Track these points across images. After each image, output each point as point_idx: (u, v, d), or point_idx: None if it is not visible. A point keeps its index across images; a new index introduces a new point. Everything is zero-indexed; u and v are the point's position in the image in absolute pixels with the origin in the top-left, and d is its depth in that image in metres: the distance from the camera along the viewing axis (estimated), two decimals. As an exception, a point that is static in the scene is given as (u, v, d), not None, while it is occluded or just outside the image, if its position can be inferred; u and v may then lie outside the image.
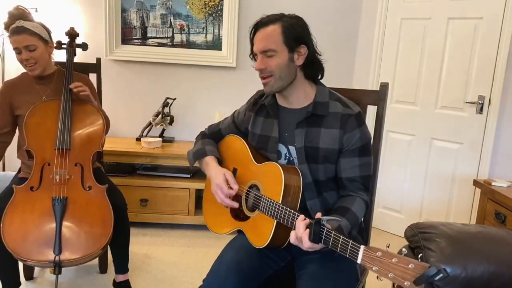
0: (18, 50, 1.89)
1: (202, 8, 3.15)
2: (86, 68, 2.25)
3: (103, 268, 2.32)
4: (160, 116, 3.11)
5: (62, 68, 2.06)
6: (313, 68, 1.38)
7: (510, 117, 2.62)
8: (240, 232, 1.45)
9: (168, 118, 3.16)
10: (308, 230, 1.12)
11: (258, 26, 1.34)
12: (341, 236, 1.06)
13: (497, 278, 1.20)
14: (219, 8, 3.15)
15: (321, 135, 1.34)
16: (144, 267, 2.42)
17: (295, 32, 1.31)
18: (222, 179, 1.42)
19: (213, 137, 1.63)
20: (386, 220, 3.16)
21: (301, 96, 1.38)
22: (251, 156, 1.44)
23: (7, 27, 1.91)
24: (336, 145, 1.33)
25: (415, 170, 3.00)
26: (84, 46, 2.16)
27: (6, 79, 2.99)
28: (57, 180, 1.78)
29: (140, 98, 3.28)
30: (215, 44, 3.21)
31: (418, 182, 2.99)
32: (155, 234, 2.87)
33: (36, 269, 2.28)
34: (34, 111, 1.89)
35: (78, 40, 2.16)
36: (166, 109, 3.16)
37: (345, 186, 1.36)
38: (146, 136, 3.16)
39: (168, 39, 3.20)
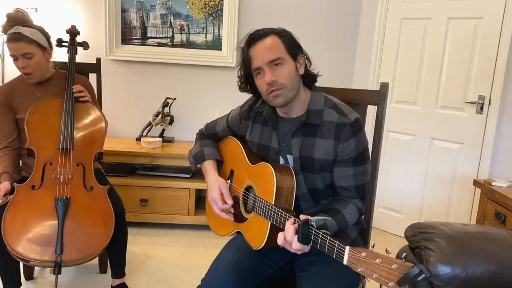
0: (15, 57, 1.86)
1: (202, 8, 3.15)
2: (86, 68, 2.25)
3: (103, 268, 2.31)
4: (160, 116, 3.11)
5: (62, 69, 2.05)
6: (309, 76, 1.36)
7: (510, 117, 2.62)
8: (239, 233, 1.44)
9: (168, 118, 3.16)
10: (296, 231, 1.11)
11: (254, 40, 1.29)
12: (328, 237, 1.05)
13: (497, 278, 1.20)
14: (219, 8, 3.15)
15: (316, 145, 1.31)
16: (144, 267, 2.42)
17: (293, 41, 1.31)
18: (217, 193, 1.42)
19: (210, 139, 1.63)
20: (386, 220, 3.16)
21: (299, 105, 1.35)
22: (246, 158, 1.44)
23: (5, 30, 1.88)
24: (331, 156, 1.30)
25: (415, 170, 3.00)
26: (85, 45, 2.16)
27: (6, 79, 3.00)
28: (61, 180, 1.77)
29: (140, 98, 3.28)
30: (215, 44, 3.21)
31: (418, 182, 2.99)
32: (154, 234, 2.87)
33: (36, 269, 2.28)
34: (36, 109, 1.88)
35: (78, 39, 2.15)
36: (166, 109, 3.16)
37: (339, 193, 1.35)
38: (146, 136, 3.16)
39: (168, 39, 3.20)
